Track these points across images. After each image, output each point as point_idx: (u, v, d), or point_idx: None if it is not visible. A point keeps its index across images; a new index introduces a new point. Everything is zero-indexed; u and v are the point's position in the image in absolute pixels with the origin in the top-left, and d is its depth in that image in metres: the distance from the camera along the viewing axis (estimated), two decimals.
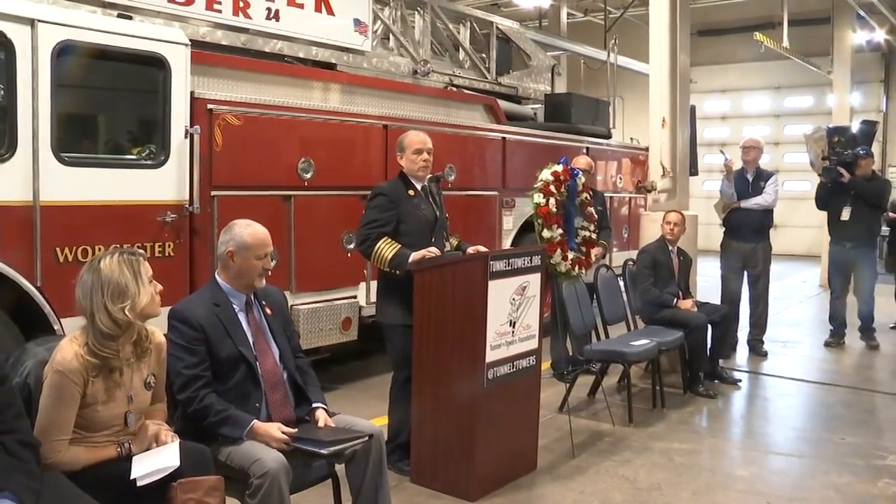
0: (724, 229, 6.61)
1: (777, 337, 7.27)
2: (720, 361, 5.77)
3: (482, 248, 3.80)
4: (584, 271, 4.70)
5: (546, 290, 5.53)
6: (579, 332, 5.03)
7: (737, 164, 6.58)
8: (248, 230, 2.76)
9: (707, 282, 7.84)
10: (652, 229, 5.91)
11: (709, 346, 5.53)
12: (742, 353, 6.60)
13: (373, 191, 3.81)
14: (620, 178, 8.48)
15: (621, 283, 5.73)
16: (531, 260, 3.74)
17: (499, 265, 3.52)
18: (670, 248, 5.68)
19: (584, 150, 7.68)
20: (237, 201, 4.59)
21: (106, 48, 3.98)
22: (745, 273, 6.48)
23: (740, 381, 5.73)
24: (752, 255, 6.41)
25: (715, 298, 6.29)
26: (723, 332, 5.62)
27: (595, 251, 5.14)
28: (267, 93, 5.04)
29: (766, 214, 6.44)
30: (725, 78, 16.82)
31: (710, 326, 5.50)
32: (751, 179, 6.48)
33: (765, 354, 6.53)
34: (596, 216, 4.94)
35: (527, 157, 6.90)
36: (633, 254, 6.14)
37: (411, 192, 3.78)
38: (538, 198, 4.40)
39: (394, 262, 3.64)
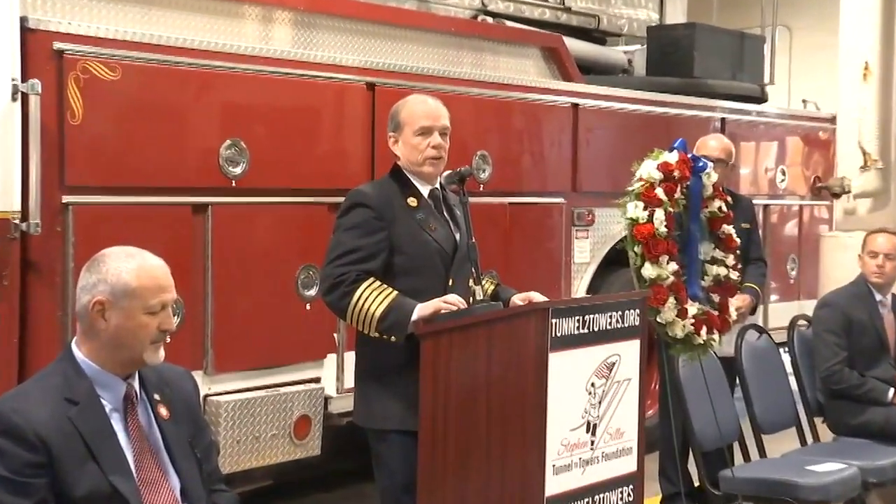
0: None
1: None
2: None
3: (537, 297, 3.81)
4: (717, 337, 4.68)
5: (651, 371, 5.41)
6: (710, 446, 5.00)
7: None
8: (130, 265, 2.79)
9: None
10: (843, 263, 5.88)
11: None
12: None
13: (347, 199, 3.84)
14: (783, 174, 8.47)
15: (786, 360, 5.68)
16: (623, 317, 3.73)
17: (567, 326, 3.52)
18: (878, 297, 5.66)
19: (718, 125, 7.69)
20: (110, 214, 4.64)
21: None
22: None
23: None
24: None
25: None
26: None
27: (738, 302, 5.11)
28: (164, 25, 5.09)
29: None
30: None
31: None
32: None
33: None
34: (738, 240, 4.93)
35: (615, 139, 6.93)
36: (808, 307, 6.10)
37: (413, 201, 3.81)
38: (635, 209, 4.41)
39: (386, 322, 3.65)
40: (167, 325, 2.81)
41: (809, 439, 5.59)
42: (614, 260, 6.78)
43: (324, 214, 5.19)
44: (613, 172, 6.37)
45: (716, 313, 4.72)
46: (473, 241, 3.84)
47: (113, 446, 2.72)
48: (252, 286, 5.11)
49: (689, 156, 4.71)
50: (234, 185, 5.05)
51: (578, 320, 3.56)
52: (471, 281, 3.81)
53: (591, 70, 7.58)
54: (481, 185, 6.09)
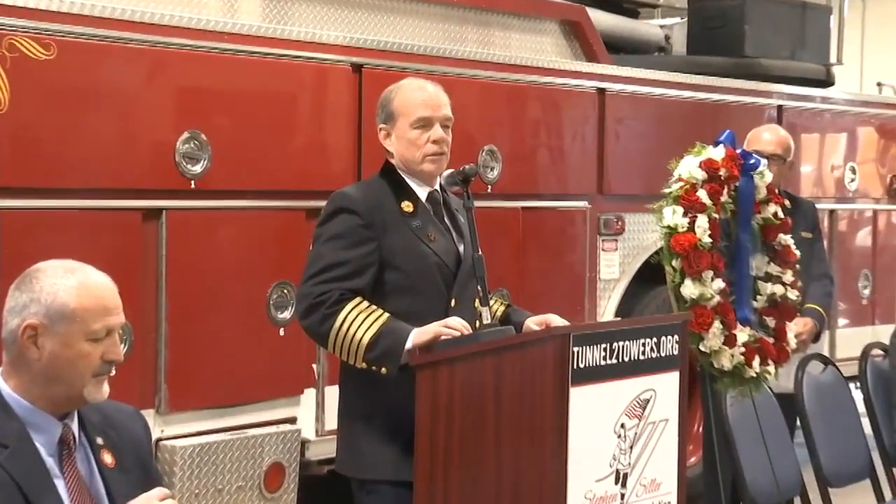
0: None
1: None
2: None
3: (555, 320, 3.83)
4: (773, 370, 4.69)
5: (693, 409, 5.40)
6: (766, 501, 4.99)
7: None
8: (70, 282, 2.80)
9: None
10: None
11: None
12: None
13: (329, 203, 3.87)
14: (853, 172, 8.47)
15: (858, 397, 5.69)
16: (659, 345, 3.75)
17: (592, 355, 3.53)
18: None
19: (774, 114, 7.72)
20: (43, 220, 4.65)
21: None
22: None
23: None
24: None
25: None
26: None
27: (798, 327, 5.11)
28: None
29: None
30: None
31: None
32: None
33: None
34: (798, 253, 4.93)
35: (650, 131, 6.96)
36: (885, 333, 6.10)
37: (408, 206, 3.84)
38: (673, 215, 4.42)
39: (376, 351, 3.67)
40: (113, 354, 2.80)
41: (887, 494, 5.57)
42: (648, 276, 6.80)
43: (301, 221, 5.21)
44: (647, 171, 6.40)
45: (771, 340, 4.75)
46: (480, 253, 3.85)
47: (53, 497, 2.71)
48: (215, 308, 5.12)
49: (739, 151, 4.73)
50: (192, 186, 5.05)
51: (605, 349, 3.56)
52: (477, 301, 3.83)
53: (620, 49, 7.60)
54: (489, 187, 6.11)
